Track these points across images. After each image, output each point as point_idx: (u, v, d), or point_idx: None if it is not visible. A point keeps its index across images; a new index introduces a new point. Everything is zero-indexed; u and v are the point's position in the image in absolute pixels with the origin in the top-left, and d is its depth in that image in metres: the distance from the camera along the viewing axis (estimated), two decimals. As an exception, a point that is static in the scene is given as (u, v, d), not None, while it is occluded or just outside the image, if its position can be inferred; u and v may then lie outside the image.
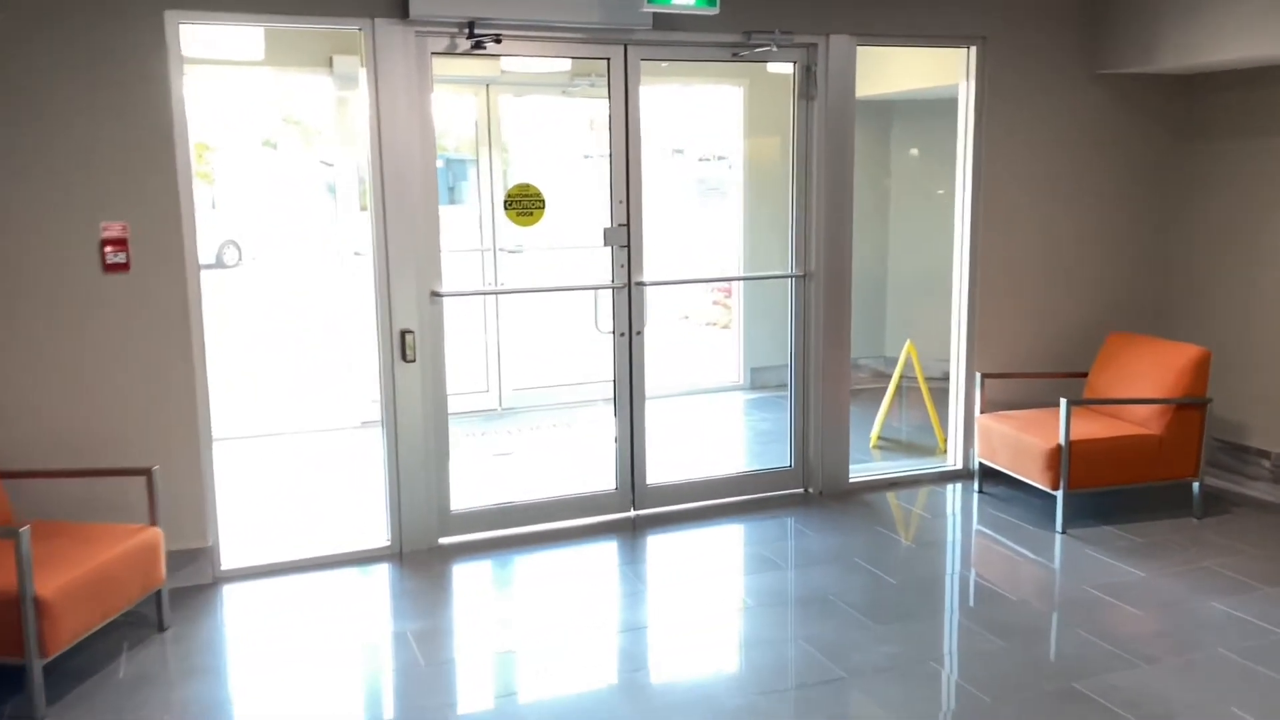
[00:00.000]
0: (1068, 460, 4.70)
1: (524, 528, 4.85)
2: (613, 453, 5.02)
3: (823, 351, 5.25)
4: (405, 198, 4.41)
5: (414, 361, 4.49)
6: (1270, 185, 5.28)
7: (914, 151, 7.87)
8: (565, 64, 6.40)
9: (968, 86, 5.38)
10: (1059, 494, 4.75)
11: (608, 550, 4.73)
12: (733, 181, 5.17)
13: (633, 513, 5.05)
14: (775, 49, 4.86)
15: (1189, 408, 4.85)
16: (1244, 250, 5.42)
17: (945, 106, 6.03)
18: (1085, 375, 5.47)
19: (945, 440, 6.06)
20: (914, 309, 7.91)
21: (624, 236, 4.84)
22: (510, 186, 4.73)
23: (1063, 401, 4.69)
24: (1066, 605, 4.00)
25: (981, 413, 5.32)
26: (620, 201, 4.81)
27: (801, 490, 5.39)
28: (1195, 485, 4.92)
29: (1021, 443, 4.91)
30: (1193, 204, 5.69)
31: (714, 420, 7.34)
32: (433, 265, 4.51)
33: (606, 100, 4.75)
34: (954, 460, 5.69)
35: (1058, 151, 5.53)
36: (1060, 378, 5.55)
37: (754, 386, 7.84)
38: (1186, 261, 5.73)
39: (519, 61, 6.34)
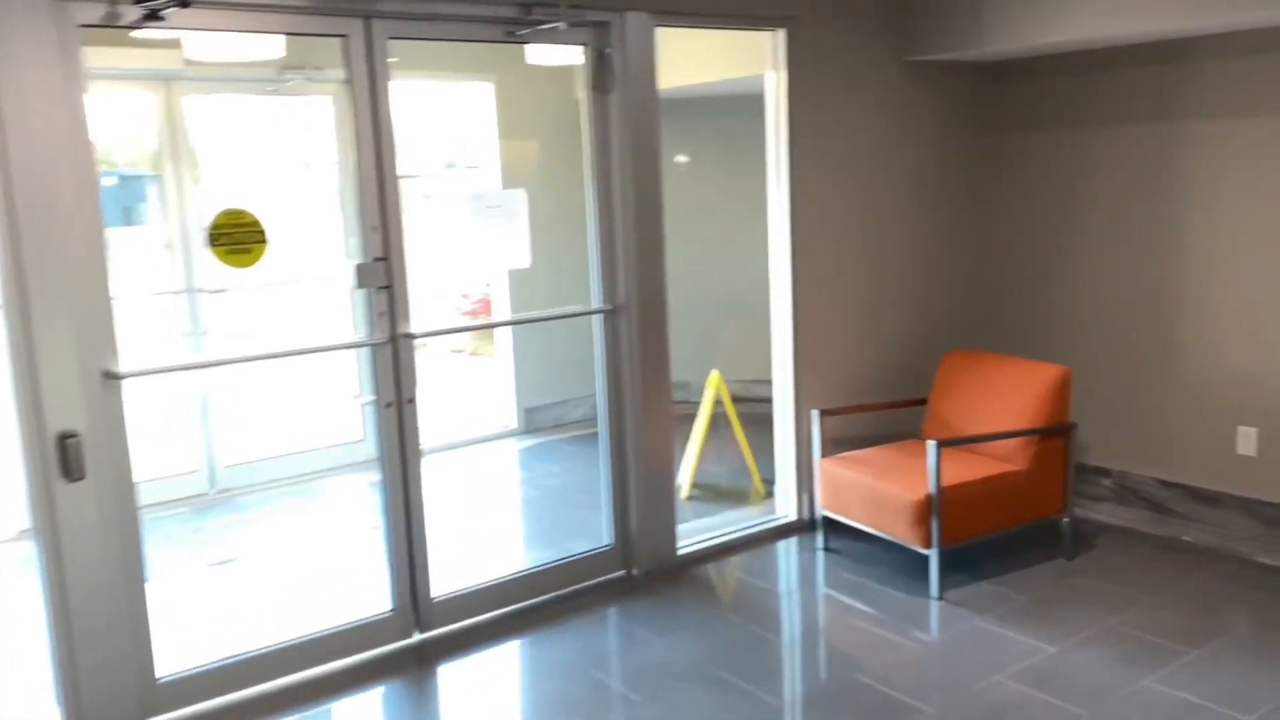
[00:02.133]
0: (940, 513, 3.98)
1: (264, 685, 3.51)
2: (381, 552, 3.77)
3: (640, 402, 4.26)
4: (52, 230, 2.97)
5: (82, 479, 3.05)
6: (1084, 179, 4.85)
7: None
8: (272, 51, 5.03)
9: (777, 77, 4.57)
10: (932, 553, 4.02)
11: (387, 702, 3.50)
12: (521, 198, 4.19)
13: (417, 637, 3.83)
14: (563, 27, 3.80)
15: (1054, 436, 4.28)
16: (1065, 251, 4.98)
17: (743, 104, 5.25)
18: (924, 402, 4.83)
19: (763, 485, 5.27)
20: (716, 331, 7.13)
21: (383, 274, 3.61)
22: (216, 215, 3.37)
23: (931, 445, 3.96)
24: (995, 713, 3.22)
25: (822, 456, 4.54)
26: (374, 229, 3.59)
27: (624, 573, 4.37)
28: (1064, 522, 4.37)
29: (880, 494, 4.15)
30: (1008, 203, 5.21)
31: (493, 481, 6.17)
32: (101, 327, 3.09)
33: (337, 96, 3.51)
34: (787, 509, 4.88)
35: (874, 150, 4.86)
36: (901, 407, 4.88)
37: (530, 430, 6.75)
38: (1008, 265, 5.24)
39: (210, 49, 4.89)
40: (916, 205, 5.02)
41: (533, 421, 6.76)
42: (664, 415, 4.34)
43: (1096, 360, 4.92)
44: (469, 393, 7.28)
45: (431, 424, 3.92)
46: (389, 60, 3.55)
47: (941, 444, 3.97)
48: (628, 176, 4.10)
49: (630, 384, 4.24)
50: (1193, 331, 4.56)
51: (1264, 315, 4.32)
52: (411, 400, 3.74)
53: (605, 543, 4.37)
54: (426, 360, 7.32)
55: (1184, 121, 4.48)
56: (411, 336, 3.70)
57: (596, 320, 4.22)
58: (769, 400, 4.88)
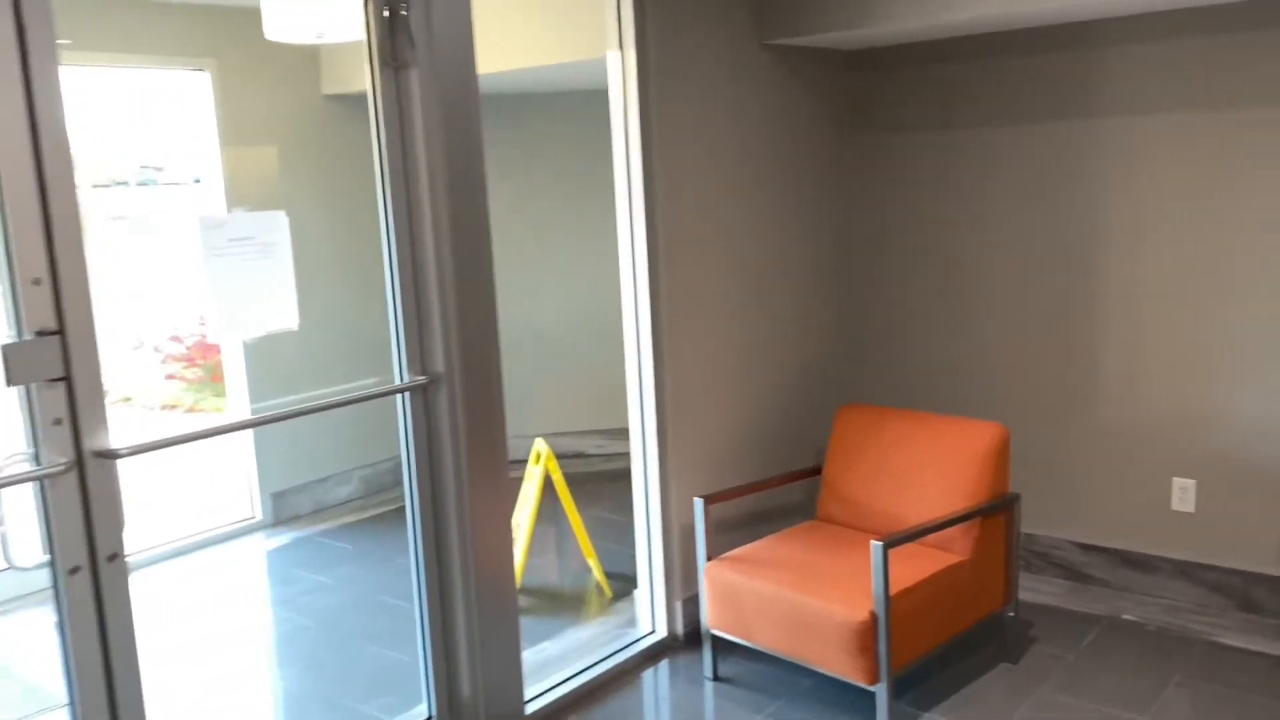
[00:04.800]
0: (888, 636, 2.99)
1: None
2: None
3: (468, 502, 2.98)
4: None
5: None
6: (983, 190, 4.07)
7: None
8: None
9: (622, 60, 3.45)
10: (879, 688, 3.02)
11: None
12: (280, 224, 2.82)
13: None
14: (343, -39, 2.49)
15: (998, 512, 3.41)
16: (964, 280, 4.18)
17: (572, 103, 4.10)
18: (817, 472, 3.86)
19: (608, 584, 4.13)
20: (535, 376, 5.89)
21: (55, 359, 2.15)
22: None
23: (876, 547, 2.96)
24: None
25: (709, 559, 3.44)
26: (35, 283, 2.12)
27: (456, 756, 3.07)
28: (1009, 615, 3.52)
29: (805, 614, 3.11)
30: (899, 221, 4.36)
31: (230, 607, 4.58)
32: None
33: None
34: (654, 623, 3.75)
35: (742, 157, 3.84)
36: (796, 480, 3.88)
37: (280, 521, 5.22)
38: (900, 297, 4.39)
39: None
40: (794, 224, 4.06)
41: (283, 509, 5.24)
42: (500, 516, 3.09)
43: (1003, 406, 4.15)
44: (187, 470, 5.62)
45: (129, 522, 2.47)
46: (59, 42, 2.11)
47: (889, 544, 2.98)
48: (440, 193, 2.82)
49: (454, 480, 2.96)
50: (1117, 370, 3.86)
51: (1200, 348, 3.67)
52: (115, 557, 2.29)
53: (420, 713, 3.05)
54: (121, 416, 5.57)
55: (1101, 119, 3.77)
56: (112, 455, 2.25)
57: (402, 400, 2.91)
58: (606, 455, 3.74)
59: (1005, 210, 4.03)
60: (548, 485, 4.16)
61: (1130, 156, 3.73)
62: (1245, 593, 3.69)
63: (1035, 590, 4.00)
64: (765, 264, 3.96)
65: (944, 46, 4.08)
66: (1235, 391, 3.62)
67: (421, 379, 2.89)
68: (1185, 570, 3.80)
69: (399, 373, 2.90)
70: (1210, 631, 3.58)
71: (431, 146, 2.81)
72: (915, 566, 3.22)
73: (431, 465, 2.98)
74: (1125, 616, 3.74)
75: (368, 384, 2.93)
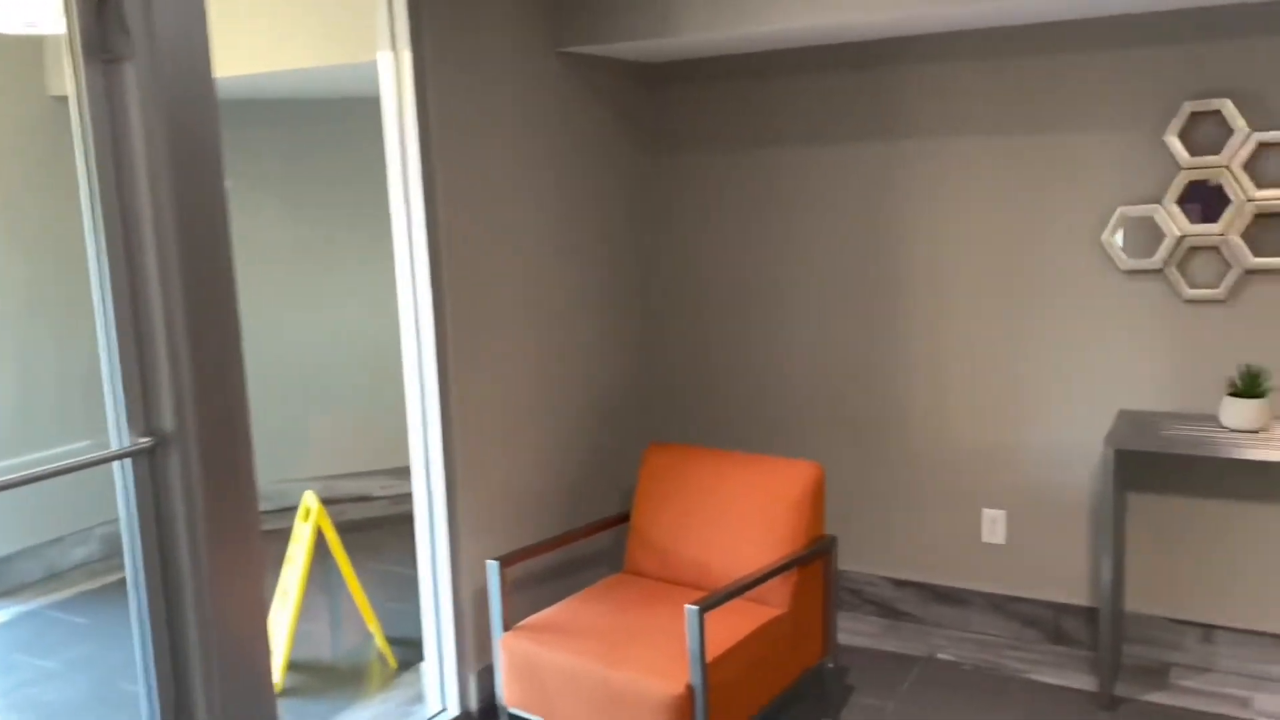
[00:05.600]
0: (706, 708, 2.69)
1: None
2: None
3: (210, 582, 2.46)
4: None
5: None
6: (787, 213, 3.89)
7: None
8: None
9: (395, 62, 3.03)
10: (698, 767, 2.72)
11: None
12: None
13: None
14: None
15: (816, 558, 3.19)
16: (769, 308, 3.98)
17: (330, 110, 3.63)
18: (626, 519, 3.53)
19: (392, 653, 3.68)
20: (312, 421, 5.29)
21: None
22: None
23: (691, 612, 2.65)
24: None
25: (506, 628, 3.05)
26: None
27: None
28: (829, 668, 3.30)
29: (615, 689, 2.76)
30: (700, 246, 4.11)
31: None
32: None
33: None
34: (443, 699, 3.32)
35: (534, 171, 3.48)
36: (602, 530, 3.54)
37: (1, 593, 4.44)
38: (701, 328, 4.14)
39: None
40: (597, 250, 3.73)
41: (4, 578, 4.46)
42: (249, 588, 2.58)
43: (815, 440, 3.97)
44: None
45: None
46: None
47: (704, 606, 2.68)
48: (165, 211, 2.31)
49: (189, 555, 2.44)
50: (927, 402, 3.74)
51: (1006, 377, 3.59)
52: None
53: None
54: None
55: (908, 141, 3.65)
56: None
57: (121, 468, 2.37)
58: (394, 496, 3.30)
59: (813, 236, 3.86)
60: (322, 543, 3.65)
61: (935, 182, 3.62)
62: (1056, 624, 3.63)
63: (852, 631, 3.82)
64: (566, 294, 3.62)
65: (749, 62, 3.87)
66: (1040, 421, 3.56)
67: (145, 441, 2.36)
68: (998, 604, 3.72)
69: (115, 435, 2.36)
70: (1025, 669, 3.49)
71: (154, 156, 2.30)
72: (732, 624, 2.94)
73: (161, 541, 2.45)
74: (941, 656, 3.61)
75: (77, 448, 2.37)
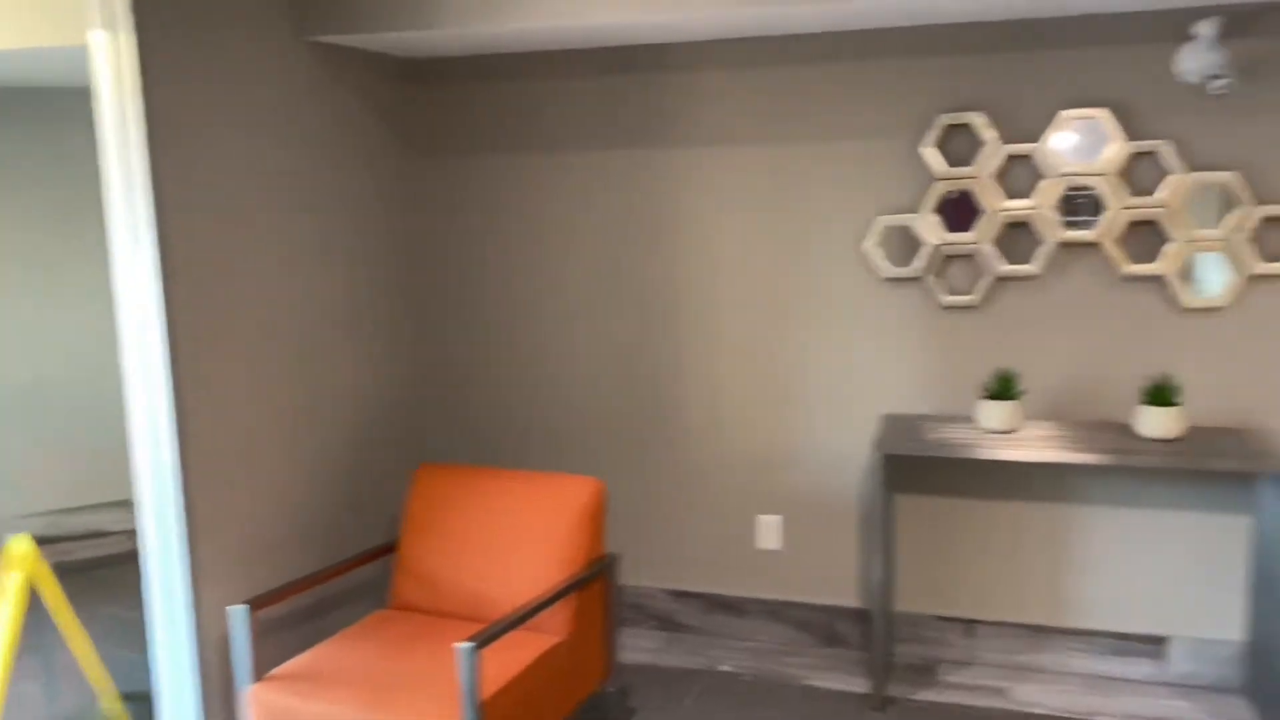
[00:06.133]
0: (482, 751, 2.50)
1: None
2: None
3: None
4: None
5: None
6: (556, 220, 3.76)
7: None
8: None
9: (115, 44, 2.66)
10: (474, 816, 2.52)
11: None
12: None
13: None
14: None
15: (597, 578, 3.06)
16: (538, 318, 3.83)
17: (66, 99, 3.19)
18: (393, 549, 3.28)
19: (126, 714, 3.27)
20: (31, 452, 4.65)
21: None
22: None
23: (463, 649, 2.45)
24: None
25: (256, 678, 2.73)
26: None
27: None
28: (611, 693, 3.17)
29: (379, 736, 2.52)
30: (465, 251, 3.89)
31: None
32: None
33: None
34: (185, 763, 2.95)
35: (283, 172, 3.17)
36: (365, 563, 3.26)
37: None
38: (467, 336, 3.92)
39: None
40: (357, 259, 3.44)
41: None
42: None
43: (594, 453, 3.85)
44: None
45: None
46: None
47: (479, 643, 2.49)
48: None
49: None
50: (702, 408, 3.70)
51: (778, 382, 3.60)
52: None
53: None
54: None
55: (682, 148, 3.59)
56: None
57: None
58: (131, 531, 2.92)
59: (588, 244, 3.74)
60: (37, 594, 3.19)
61: (705, 190, 3.58)
62: (830, 628, 3.67)
63: (632, 647, 3.73)
64: (323, 306, 3.32)
65: (519, 61, 3.71)
66: (811, 426, 3.59)
67: None
68: (774, 610, 3.72)
69: None
70: (802, 674, 3.51)
71: None
72: (507, 658, 2.76)
73: None
74: (722, 668, 3.57)
75: None
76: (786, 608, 3.71)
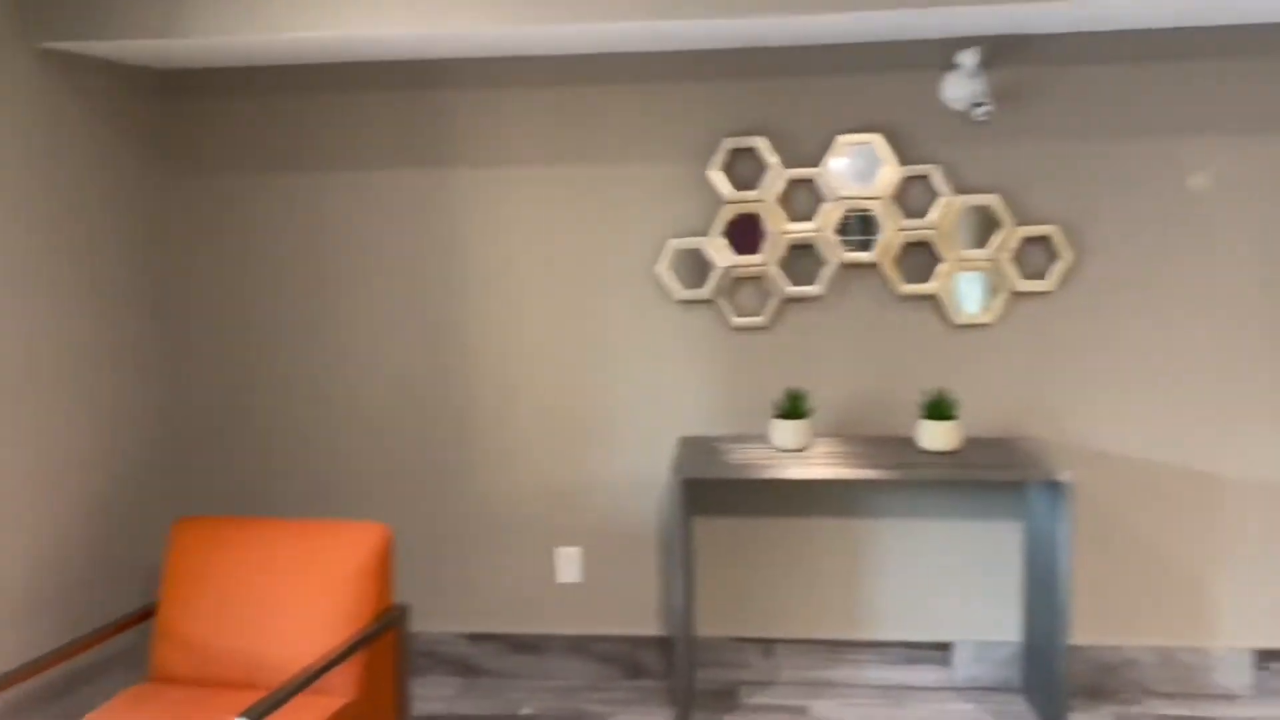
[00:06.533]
0: (262, 837, 2.24)
1: None
2: None
3: None
4: None
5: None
6: (330, 244, 3.52)
7: None
8: None
9: None
10: None
11: None
12: None
13: None
14: None
15: (387, 631, 2.83)
16: (311, 348, 3.56)
17: None
18: (148, 617, 2.93)
19: None
20: None
21: None
22: None
23: (235, 725, 2.20)
24: None
25: (-17, 781, 2.35)
26: None
27: None
28: (405, 753, 2.95)
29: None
30: (221, 280, 3.57)
31: None
32: None
33: None
34: None
35: (9, 196, 2.79)
36: (119, 633, 2.89)
37: None
38: (230, 372, 3.59)
39: None
40: (100, 292, 3.06)
41: None
42: None
43: (380, 498, 3.60)
44: None
45: None
46: None
47: (256, 716, 2.23)
48: None
49: None
50: (495, 442, 3.54)
51: (577, 413, 3.50)
52: None
53: None
54: None
55: (466, 169, 3.43)
56: None
57: None
58: None
59: (367, 271, 3.51)
60: None
61: (495, 213, 3.44)
62: (633, 659, 3.59)
63: (426, 697, 3.51)
64: (56, 351, 2.94)
65: (291, 75, 3.44)
66: (608, 453, 3.51)
67: None
68: (577, 645, 3.61)
69: None
70: (606, 710, 3.40)
71: None
72: (289, 728, 2.51)
73: None
74: (523, 711, 3.42)
75: None
76: (589, 642, 3.60)
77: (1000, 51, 3.20)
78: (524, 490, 3.55)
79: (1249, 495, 3.29)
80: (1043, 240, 3.27)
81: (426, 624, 3.65)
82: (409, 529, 3.61)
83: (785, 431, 3.20)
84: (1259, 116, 3.16)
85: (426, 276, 3.49)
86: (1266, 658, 3.33)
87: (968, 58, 3.08)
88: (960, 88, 3.14)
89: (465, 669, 3.65)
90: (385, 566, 2.83)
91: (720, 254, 3.34)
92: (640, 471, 3.51)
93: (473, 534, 3.59)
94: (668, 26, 2.87)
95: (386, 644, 2.84)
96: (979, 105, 3.11)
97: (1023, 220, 3.27)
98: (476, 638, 3.63)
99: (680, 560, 3.12)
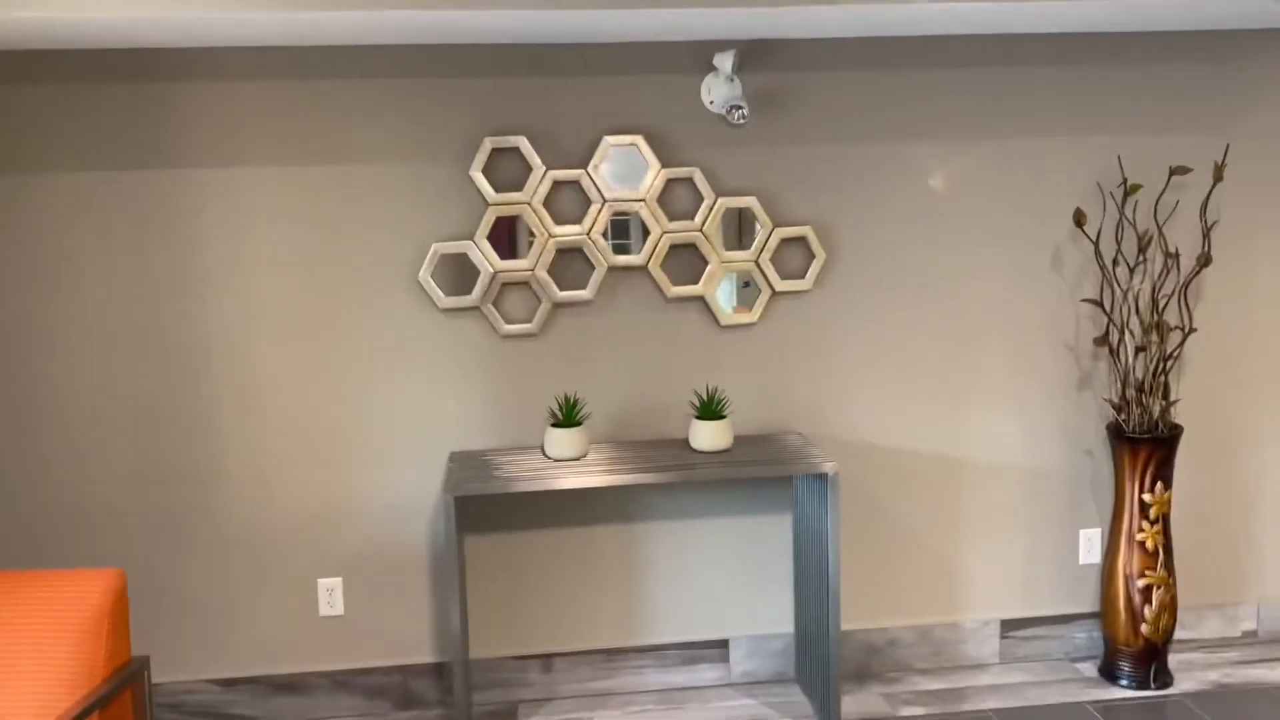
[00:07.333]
0: None
1: None
2: None
3: None
4: None
5: None
6: (51, 254, 3.10)
7: None
8: None
9: None
10: None
11: None
12: None
13: None
14: None
15: (124, 689, 2.49)
16: (30, 370, 3.12)
17: None
18: None
19: None
20: None
21: None
22: None
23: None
24: None
25: None
26: None
27: None
28: (151, 824, 2.61)
29: None
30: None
31: None
32: None
33: None
34: None
35: None
36: None
37: None
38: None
39: None
40: None
41: None
42: None
43: (112, 541, 3.20)
44: None
45: None
46: None
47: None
48: None
49: None
50: (245, 473, 3.24)
51: (335, 434, 3.26)
52: None
53: None
54: None
55: (200, 170, 3.11)
56: None
57: None
58: None
59: (87, 284, 3.11)
60: None
61: (234, 218, 3.14)
62: (405, 689, 3.39)
63: (174, 757, 3.16)
64: None
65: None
66: (370, 475, 3.29)
67: None
68: (342, 681, 3.36)
69: None
70: (381, 746, 3.19)
71: None
72: (8, 816, 2.15)
73: None
74: (287, 758, 3.14)
75: None
76: (356, 675, 3.37)
77: (756, 56, 3.26)
78: (279, 519, 3.27)
79: (989, 476, 3.53)
80: (800, 240, 3.36)
81: (172, 673, 3.28)
82: (146, 571, 3.23)
83: (560, 441, 3.12)
84: (987, 121, 3.39)
85: (157, 293, 3.14)
86: (1009, 626, 3.59)
87: (724, 61, 3.11)
88: (717, 91, 3.17)
89: (217, 717, 3.31)
90: (119, 617, 2.49)
91: (487, 259, 3.21)
92: (409, 491, 3.31)
93: (221, 571, 3.27)
94: (395, 17, 2.70)
95: (125, 703, 2.50)
96: (736, 108, 3.15)
97: (780, 221, 3.35)
98: (229, 683, 3.31)
99: (454, 581, 2.97)
